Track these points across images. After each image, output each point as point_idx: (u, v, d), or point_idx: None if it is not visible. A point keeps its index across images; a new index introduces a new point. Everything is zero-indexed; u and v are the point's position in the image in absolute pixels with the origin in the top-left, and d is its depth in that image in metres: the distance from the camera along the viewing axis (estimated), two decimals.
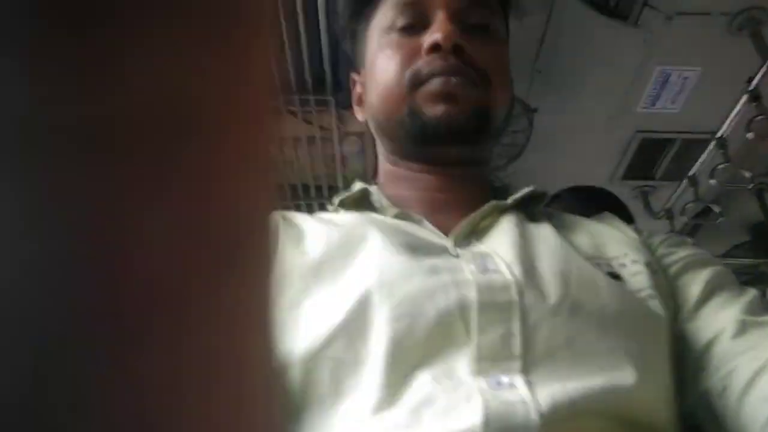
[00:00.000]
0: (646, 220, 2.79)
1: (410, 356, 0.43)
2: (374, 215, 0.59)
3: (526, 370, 0.43)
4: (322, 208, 2.24)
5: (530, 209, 0.62)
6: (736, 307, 0.53)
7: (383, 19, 0.66)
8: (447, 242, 0.53)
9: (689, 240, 0.65)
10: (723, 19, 1.97)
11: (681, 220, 2.61)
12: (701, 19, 1.96)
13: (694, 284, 0.55)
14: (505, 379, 0.41)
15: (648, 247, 0.60)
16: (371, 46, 0.67)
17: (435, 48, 0.60)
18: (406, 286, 0.45)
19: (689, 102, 2.34)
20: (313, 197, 2.22)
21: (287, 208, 2.27)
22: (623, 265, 0.55)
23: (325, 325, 0.46)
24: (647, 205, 2.86)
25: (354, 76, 0.74)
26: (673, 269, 0.58)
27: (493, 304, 0.45)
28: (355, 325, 0.45)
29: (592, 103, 2.44)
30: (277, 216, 0.57)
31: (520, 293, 0.46)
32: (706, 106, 2.32)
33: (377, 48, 0.66)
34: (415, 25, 0.63)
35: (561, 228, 0.60)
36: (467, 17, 0.64)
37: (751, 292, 0.55)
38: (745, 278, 2.79)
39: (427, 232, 0.55)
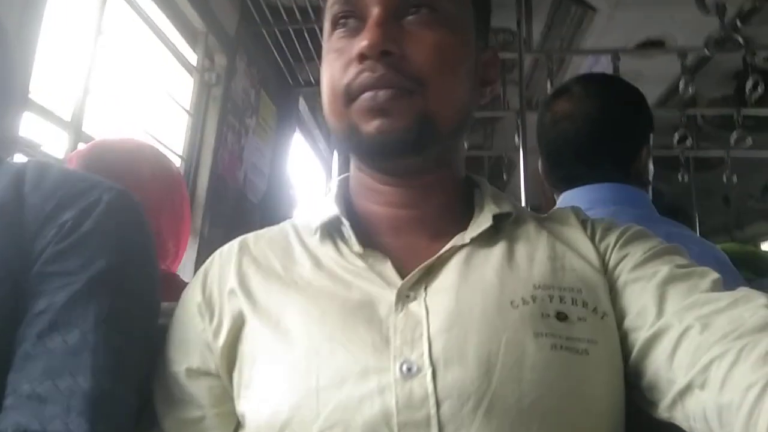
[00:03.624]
0: (696, 13, 2.54)
1: None
2: (336, 254, 0.60)
3: None
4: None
5: (496, 226, 0.61)
6: (695, 301, 0.52)
7: (328, 15, 0.62)
8: (391, 295, 0.55)
9: (636, 232, 0.63)
10: None
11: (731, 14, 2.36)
12: None
13: (645, 295, 0.55)
14: None
15: (596, 250, 0.60)
16: (324, 44, 0.64)
17: (363, 57, 0.56)
18: (338, 394, 0.49)
19: None
20: None
21: (301, 29, 2.17)
22: (574, 302, 0.55)
23: (277, 418, 0.50)
24: None
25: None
26: (622, 280, 0.58)
27: (412, 422, 0.48)
28: (299, 422, 0.49)
29: None
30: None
31: (438, 405, 0.48)
32: None
33: (326, 49, 0.63)
34: (354, 20, 0.59)
35: (515, 252, 0.59)
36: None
37: (710, 276, 0.55)
38: None
39: (379, 282, 0.56)
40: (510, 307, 0.53)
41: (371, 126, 0.56)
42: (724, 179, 3.16)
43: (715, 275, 0.55)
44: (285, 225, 0.68)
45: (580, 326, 0.54)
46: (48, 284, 0.57)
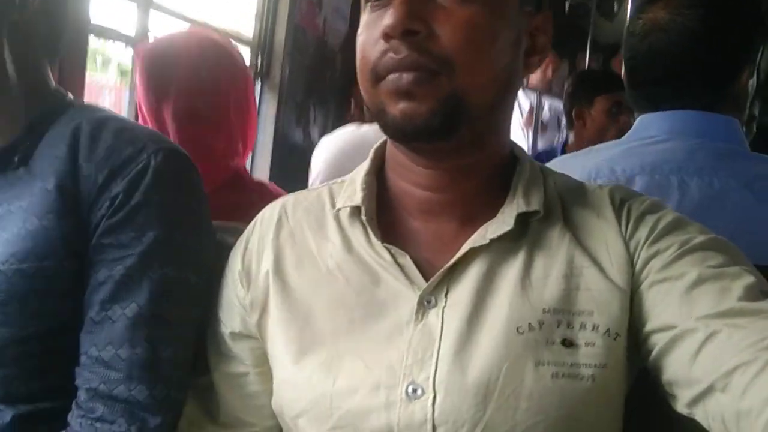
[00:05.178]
0: None
1: None
2: (363, 241, 0.61)
3: None
4: None
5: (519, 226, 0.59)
6: (727, 306, 0.51)
7: None
8: (413, 299, 0.57)
9: (671, 222, 0.58)
10: None
11: None
12: None
13: (671, 298, 0.54)
14: None
15: (624, 242, 0.58)
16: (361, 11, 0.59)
17: (387, 36, 0.54)
18: (350, 401, 0.54)
19: None
20: None
21: None
22: (583, 326, 0.55)
23: (297, 405, 0.57)
24: None
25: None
26: (649, 281, 0.56)
27: None
28: (316, 414, 0.55)
29: None
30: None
31: (434, 429, 0.52)
32: None
33: (361, 20, 0.59)
34: None
35: (534, 265, 0.58)
36: None
37: (744, 280, 0.52)
38: None
39: (405, 281, 0.58)
40: (516, 333, 0.54)
41: (396, 109, 0.55)
42: None
43: (749, 278, 0.52)
44: (323, 191, 0.68)
45: (587, 351, 0.54)
46: (106, 255, 0.63)
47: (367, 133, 1.06)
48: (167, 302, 0.64)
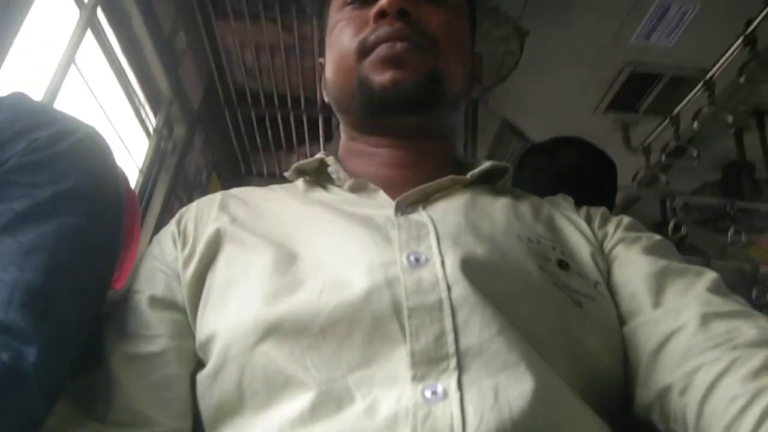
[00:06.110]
0: (624, 153, 2.78)
1: (351, 358, 0.43)
2: (326, 193, 0.61)
3: (461, 367, 0.42)
4: (298, 120, 2.18)
5: (492, 184, 0.63)
6: (694, 298, 0.50)
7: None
8: (389, 210, 0.53)
9: (634, 222, 0.63)
10: None
11: (656, 157, 2.60)
12: None
13: (641, 280, 0.53)
14: (439, 387, 0.41)
15: (593, 232, 0.60)
16: (329, 26, 0.67)
17: (381, 14, 0.60)
18: (341, 293, 0.46)
19: (684, 38, 2.27)
20: (290, 108, 2.15)
21: (264, 116, 2.22)
22: (573, 254, 0.55)
23: (262, 320, 0.46)
24: (627, 139, 2.85)
25: (320, 60, 0.73)
26: (622, 259, 0.57)
27: (423, 307, 0.44)
28: (292, 324, 0.45)
29: (585, 30, 2.35)
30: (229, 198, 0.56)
31: (449, 288, 0.45)
32: (700, 44, 2.25)
33: (332, 26, 0.65)
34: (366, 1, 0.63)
35: (518, 206, 0.59)
36: None
37: (708, 276, 0.53)
38: (711, 216, 2.83)
39: (374, 204, 0.56)
40: (517, 239, 0.53)
41: (385, 76, 0.58)
42: None
43: (713, 274, 0.54)
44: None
45: (578, 280, 0.53)
46: (9, 191, 0.51)
47: None
48: (73, 248, 0.51)
